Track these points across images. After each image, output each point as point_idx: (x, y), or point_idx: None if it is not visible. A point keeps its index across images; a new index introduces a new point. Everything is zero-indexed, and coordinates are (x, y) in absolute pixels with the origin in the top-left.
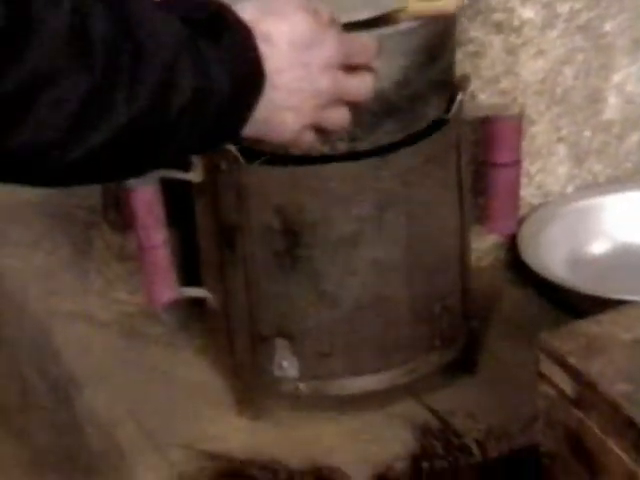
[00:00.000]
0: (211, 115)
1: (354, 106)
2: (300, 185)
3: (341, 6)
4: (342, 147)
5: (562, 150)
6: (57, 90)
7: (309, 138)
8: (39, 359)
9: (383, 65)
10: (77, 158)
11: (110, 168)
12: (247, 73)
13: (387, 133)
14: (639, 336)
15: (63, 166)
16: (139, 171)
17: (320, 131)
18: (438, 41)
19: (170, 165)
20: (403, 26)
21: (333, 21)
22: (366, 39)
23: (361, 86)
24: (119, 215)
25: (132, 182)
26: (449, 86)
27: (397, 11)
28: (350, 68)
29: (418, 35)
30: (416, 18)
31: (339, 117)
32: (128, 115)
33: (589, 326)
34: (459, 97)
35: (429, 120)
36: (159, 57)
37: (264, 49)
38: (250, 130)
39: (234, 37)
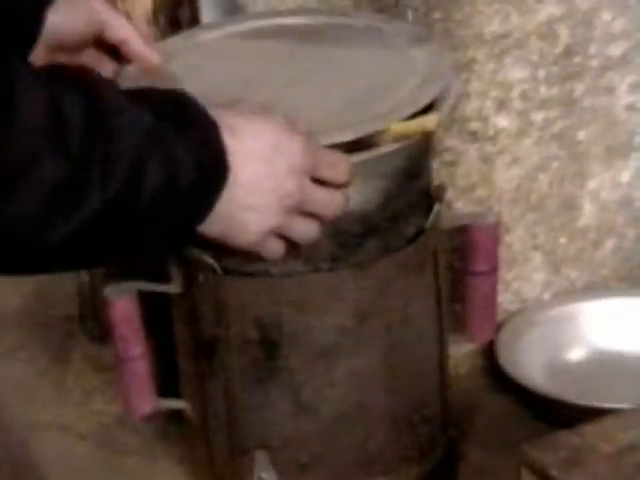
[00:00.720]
0: (177, 203)
1: (323, 223)
2: (279, 296)
3: (321, 128)
4: (324, 266)
5: (538, 257)
6: (35, 174)
7: (275, 247)
8: (15, 471)
9: (365, 188)
10: (56, 243)
11: (88, 253)
12: (212, 164)
13: (368, 252)
14: (621, 448)
15: (43, 251)
16: (112, 258)
17: (287, 242)
18: (419, 160)
19: (146, 272)
20: (385, 149)
21: (307, 132)
22: (339, 156)
23: (330, 202)
24: (97, 325)
25: (110, 294)
26: (427, 199)
27: (379, 133)
28: (320, 182)
29: (399, 157)
30: (398, 139)
31: (305, 228)
32: (101, 200)
33: (570, 437)
34: (436, 207)
35: (409, 236)
36: (131, 145)
37: (230, 143)
38: (212, 229)
39: (200, 128)
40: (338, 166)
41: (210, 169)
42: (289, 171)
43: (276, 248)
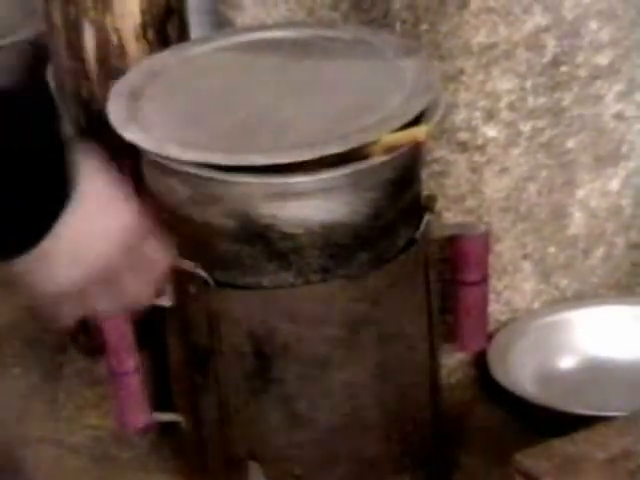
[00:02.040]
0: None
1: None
2: (271, 308)
3: (312, 140)
4: (315, 278)
5: (528, 266)
6: None
7: (96, 298)
8: None
9: (356, 200)
10: None
11: None
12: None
13: (359, 264)
14: (613, 455)
15: None
16: None
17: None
18: (409, 171)
19: None
20: (375, 160)
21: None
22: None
23: (137, 291)
24: (88, 339)
25: (103, 309)
26: (417, 209)
27: (369, 144)
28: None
29: (390, 168)
30: (388, 150)
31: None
32: None
33: (563, 445)
34: (426, 218)
35: (399, 246)
36: None
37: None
38: (27, 265)
39: None
40: (155, 262)
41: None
42: (111, 239)
43: (98, 300)
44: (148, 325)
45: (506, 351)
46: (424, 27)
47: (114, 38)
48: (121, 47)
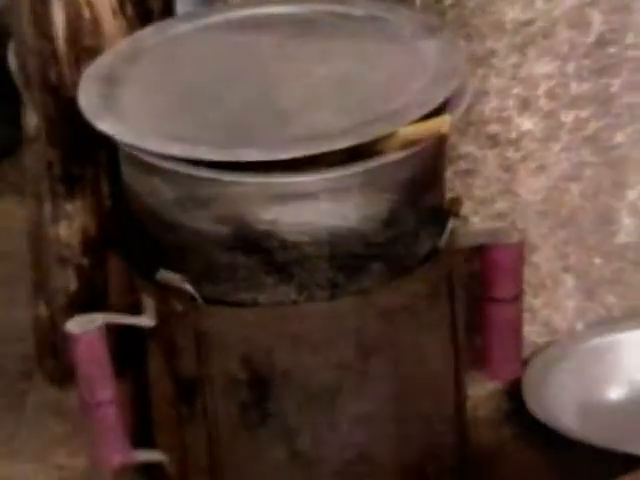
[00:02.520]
0: None
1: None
2: (269, 329)
3: (317, 133)
4: (322, 295)
5: (570, 280)
6: None
7: None
8: None
9: (368, 202)
10: None
11: None
12: None
13: (372, 277)
14: None
15: None
16: None
17: None
18: (430, 169)
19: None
20: (390, 156)
21: None
22: None
23: None
24: (57, 365)
25: (73, 328)
26: (440, 214)
27: (384, 138)
28: None
29: (407, 165)
30: (406, 145)
31: None
32: None
33: None
34: (450, 224)
35: (419, 257)
36: None
37: None
38: None
39: None
40: None
41: None
42: None
43: None
44: (127, 348)
45: (544, 379)
46: (448, 1)
47: (87, 13)
48: (95, 23)
